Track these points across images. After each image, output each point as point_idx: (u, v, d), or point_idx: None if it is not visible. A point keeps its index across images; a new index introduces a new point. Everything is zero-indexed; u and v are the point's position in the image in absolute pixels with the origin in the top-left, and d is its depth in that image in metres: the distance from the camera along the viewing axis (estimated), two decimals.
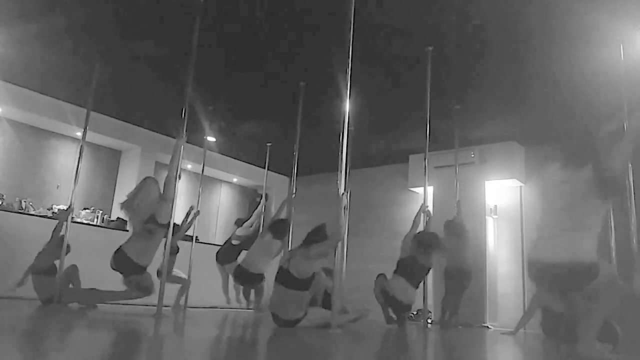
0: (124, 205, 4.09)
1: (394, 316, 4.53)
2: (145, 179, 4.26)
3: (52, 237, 4.58)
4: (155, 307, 3.75)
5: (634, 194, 4.30)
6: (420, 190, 7.47)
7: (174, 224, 4.30)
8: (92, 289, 4.42)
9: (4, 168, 6.36)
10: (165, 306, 5.07)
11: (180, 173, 4.14)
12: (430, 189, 7.09)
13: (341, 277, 3.89)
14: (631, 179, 4.35)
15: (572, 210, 2.49)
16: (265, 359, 1.99)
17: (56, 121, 6.51)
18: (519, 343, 3.83)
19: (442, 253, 4.62)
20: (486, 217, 6.99)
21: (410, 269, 4.39)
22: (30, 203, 6.28)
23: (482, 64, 4.91)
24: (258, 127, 7.09)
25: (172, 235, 4.10)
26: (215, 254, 6.04)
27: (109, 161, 7.55)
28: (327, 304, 4.59)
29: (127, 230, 6.99)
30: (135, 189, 4.20)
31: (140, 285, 4.03)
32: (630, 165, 4.39)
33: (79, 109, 6.23)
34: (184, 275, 5.60)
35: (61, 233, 4.63)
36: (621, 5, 3.85)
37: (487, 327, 6.12)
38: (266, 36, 4.63)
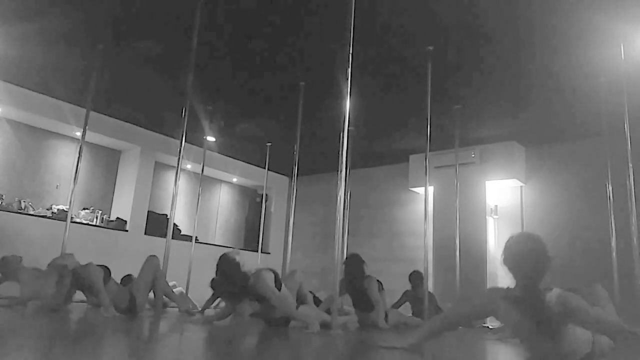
0: None
1: None
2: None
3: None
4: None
5: (634, 193, 4.30)
6: (420, 190, 7.47)
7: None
8: None
9: (3, 168, 6.35)
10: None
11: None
12: (430, 189, 7.09)
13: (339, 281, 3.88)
14: (632, 179, 4.35)
15: None
16: (271, 358, 1.99)
17: (55, 121, 6.50)
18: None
19: None
20: (486, 217, 6.98)
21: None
22: (30, 203, 6.27)
23: (482, 63, 4.90)
24: (258, 127, 7.08)
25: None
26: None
27: (108, 161, 7.54)
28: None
29: (127, 231, 7.00)
30: None
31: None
32: (630, 165, 4.39)
33: (78, 109, 6.22)
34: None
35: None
36: (621, 5, 3.84)
37: (488, 327, 6.11)
38: (266, 36, 4.62)
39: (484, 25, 4.25)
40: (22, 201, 6.21)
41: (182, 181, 8.15)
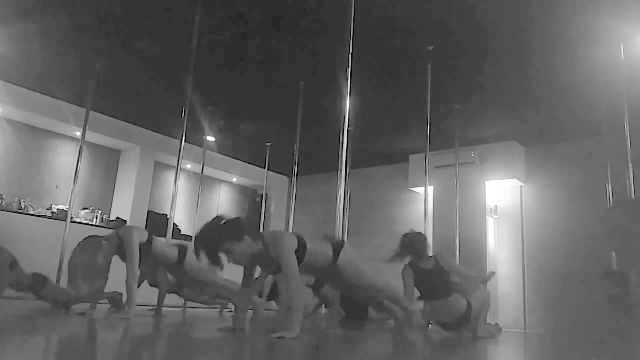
0: None
1: None
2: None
3: None
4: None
5: (634, 193, 4.31)
6: (420, 190, 7.47)
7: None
8: None
9: (3, 168, 6.35)
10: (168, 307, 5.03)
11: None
12: (430, 189, 7.08)
13: None
14: (632, 179, 4.35)
15: None
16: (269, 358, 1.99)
17: (55, 121, 6.50)
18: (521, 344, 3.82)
19: None
20: (486, 217, 6.98)
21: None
22: (30, 203, 6.27)
23: (482, 63, 4.91)
24: (258, 127, 7.08)
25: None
26: None
27: (108, 161, 7.54)
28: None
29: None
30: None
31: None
32: (630, 165, 4.40)
33: (78, 109, 6.22)
34: None
35: None
36: (621, 5, 3.85)
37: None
38: (266, 36, 4.62)
39: (484, 25, 4.25)
40: (22, 201, 6.21)
41: (182, 181, 8.15)
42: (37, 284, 4.00)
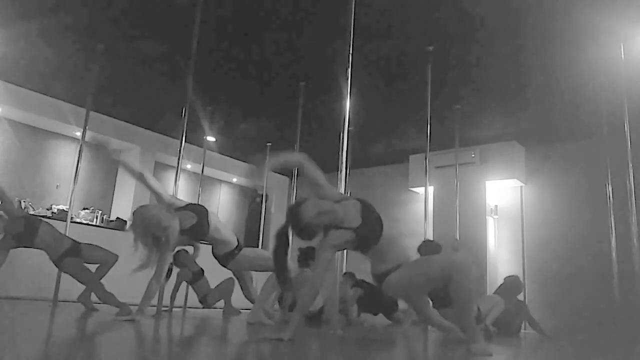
0: None
1: None
2: None
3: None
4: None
5: (634, 193, 4.30)
6: (420, 190, 7.47)
7: None
8: None
9: (3, 168, 6.35)
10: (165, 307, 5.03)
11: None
12: (430, 189, 7.08)
13: (339, 278, 3.88)
14: (632, 179, 4.35)
15: None
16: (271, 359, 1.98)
17: (56, 121, 6.50)
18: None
19: None
20: (487, 217, 6.98)
21: None
22: (30, 203, 6.27)
23: (482, 63, 4.91)
24: (258, 127, 7.08)
25: None
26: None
27: (108, 161, 7.53)
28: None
29: (127, 230, 6.99)
30: None
31: None
32: (630, 165, 4.40)
33: (78, 108, 6.22)
34: None
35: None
36: (621, 5, 3.85)
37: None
38: (266, 36, 4.62)
39: (484, 25, 4.25)
40: (22, 201, 6.21)
41: (182, 181, 8.15)
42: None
